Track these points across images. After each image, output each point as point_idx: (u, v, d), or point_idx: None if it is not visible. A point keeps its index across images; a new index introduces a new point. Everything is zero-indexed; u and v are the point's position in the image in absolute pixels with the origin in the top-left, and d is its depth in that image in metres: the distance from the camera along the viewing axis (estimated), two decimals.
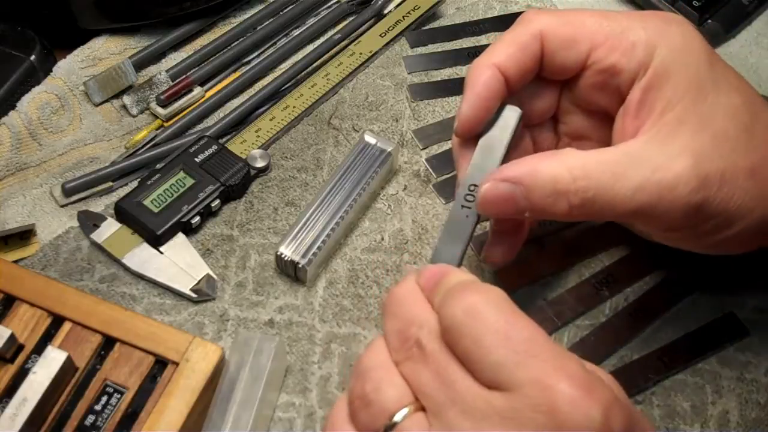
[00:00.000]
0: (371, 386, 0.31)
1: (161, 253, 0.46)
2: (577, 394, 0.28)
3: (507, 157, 0.38)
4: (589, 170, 0.34)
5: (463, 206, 0.37)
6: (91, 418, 0.38)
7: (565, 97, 0.41)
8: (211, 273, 0.46)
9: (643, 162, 0.34)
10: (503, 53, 0.37)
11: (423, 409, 0.30)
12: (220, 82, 0.56)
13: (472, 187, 0.37)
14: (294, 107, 0.53)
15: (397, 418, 0.30)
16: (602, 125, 0.40)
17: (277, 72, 0.57)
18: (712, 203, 0.35)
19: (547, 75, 0.39)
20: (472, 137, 0.39)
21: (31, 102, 0.51)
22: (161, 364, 0.39)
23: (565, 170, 0.34)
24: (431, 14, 0.60)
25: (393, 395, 0.31)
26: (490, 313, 0.30)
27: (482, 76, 0.37)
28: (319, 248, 0.45)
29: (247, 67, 0.56)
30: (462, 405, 0.29)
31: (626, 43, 0.36)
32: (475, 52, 0.58)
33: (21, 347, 0.39)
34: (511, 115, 0.39)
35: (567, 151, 0.35)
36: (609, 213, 0.35)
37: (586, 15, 0.38)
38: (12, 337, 0.38)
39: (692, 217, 0.35)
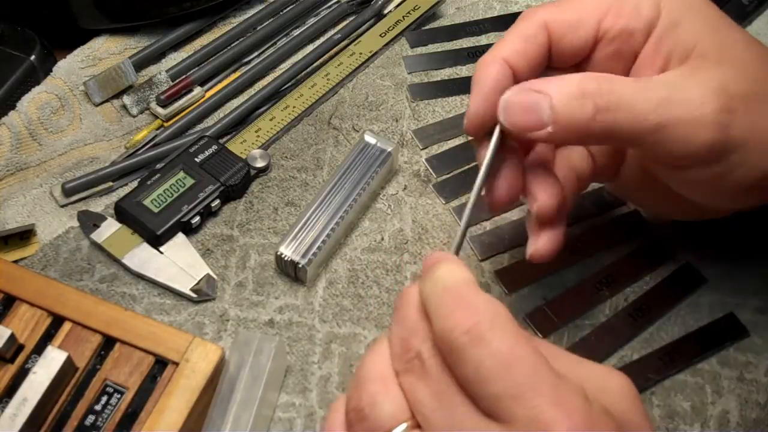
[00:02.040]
0: (367, 399, 0.30)
1: (161, 253, 0.46)
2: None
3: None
4: (613, 81, 0.34)
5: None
6: (91, 418, 0.38)
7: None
8: (211, 273, 0.46)
9: (666, 84, 0.34)
10: (510, 47, 0.37)
11: (419, 426, 0.30)
12: (220, 82, 0.56)
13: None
14: (294, 107, 0.53)
15: None
16: None
17: (277, 72, 0.57)
18: (736, 126, 0.34)
19: (559, 64, 0.38)
20: (484, 134, 0.37)
21: (31, 102, 0.51)
22: (161, 364, 0.39)
23: (590, 78, 0.34)
24: (431, 14, 0.60)
25: (388, 411, 0.30)
26: (493, 340, 0.28)
27: (490, 72, 0.36)
28: (319, 248, 0.45)
29: (247, 67, 0.56)
30: (457, 429, 0.28)
31: (630, 6, 0.36)
32: (475, 52, 0.58)
33: (21, 347, 0.39)
34: None
35: (588, 73, 0.35)
36: (630, 128, 0.34)
37: None
38: (12, 337, 0.38)
39: (715, 145, 0.34)
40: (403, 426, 0.30)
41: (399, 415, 0.30)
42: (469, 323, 0.28)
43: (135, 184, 0.50)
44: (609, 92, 0.34)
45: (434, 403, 0.29)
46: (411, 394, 0.30)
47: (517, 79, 0.37)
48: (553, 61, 0.38)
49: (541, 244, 0.38)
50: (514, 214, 0.49)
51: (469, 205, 0.35)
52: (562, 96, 0.34)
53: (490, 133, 0.37)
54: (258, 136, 0.52)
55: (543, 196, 0.37)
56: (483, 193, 0.37)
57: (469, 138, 0.39)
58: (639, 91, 0.34)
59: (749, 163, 0.35)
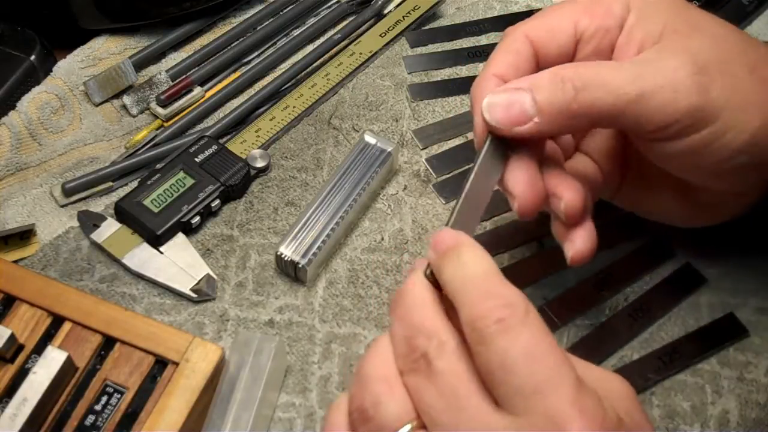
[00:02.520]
0: (371, 400, 0.30)
1: (161, 253, 0.46)
2: None
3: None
4: (590, 63, 0.37)
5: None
6: (91, 418, 0.38)
7: None
8: (211, 273, 0.46)
9: (641, 60, 0.36)
10: (499, 63, 0.38)
11: (424, 426, 0.30)
12: (220, 82, 0.56)
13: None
14: (294, 107, 0.53)
15: None
16: None
17: (277, 72, 0.57)
18: (714, 88, 0.35)
19: (547, 67, 0.39)
20: None
21: (31, 102, 0.51)
22: (161, 364, 0.39)
23: (566, 65, 0.36)
24: (431, 14, 0.60)
25: (393, 412, 0.30)
26: (524, 333, 0.29)
27: (485, 88, 0.38)
28: (319, 248, 0.45)
29: (247, 67, 0.56)
30: (468, 428, 0.28)
31: (602, 7, 0.39)
32: (475, 52, 0.58)
33: (21, 347, 0.39)
34: None
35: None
36: (610, 104, 0.35)
37: (558, 5, 0.40)
38: (12, 337, 0.38)
39: (696, 108, 0.35)
40: (408, 426, 0.30)
41: (404, 415, 0.30)
42: (503, 313, 0.29)
43: (135, 184, 0.50)
44: (586, 73, 0.35)
45: (441, 403, 0.29)
46: (417, 394, 0.30)
47: None
48: (541, 66, 0.39)
49: (579, 244, 0.39)
50: (514, 214, 0.49)
51: (457, 207, 0.36)
52: (541, 85, 0.36)
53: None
54: (258, 136, 0.52)
55: (568, 193, 0.38)
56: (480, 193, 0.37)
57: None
58: (615, 68, 0.36)
59: (735, 126, 0.35)
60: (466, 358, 0.30)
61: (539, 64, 0.39)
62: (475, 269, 0.31)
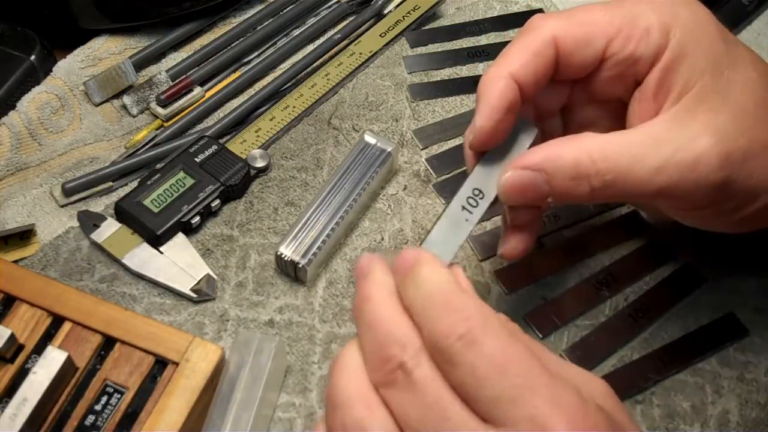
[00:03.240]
0: (354, 426, 0.29)
1: (161, 253, 0.46)
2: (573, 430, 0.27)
3: None
4: (608, 153, 0.34)
5: (464, 207, 0.36)
6: (91, 418, 0.38)
7: (577, 91, 0.40)
8: (211, 273, 0.46)
9: (663, 142, 0.34)
10: (516, 62, 0.36)
11: None
12: (220, 82, 0.56)
13: (476, 191, 0.36)
14: (294, 107, 0.53)
15: None
16: (613, 113, 0.40)
17: (277, 72, 0.57)
18: (735, 180, 0.34)
19: (562, 77, 0.38)
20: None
21: (31, 102, 0.51)
22: (161, 364, 0.39)
23: (584, 154, 0.34)
24: (431, 14, 0.60)
25: None
26: (487, 343, 0.28)
27: (496, 87, 0.36)
28: (319, 248, 0.45)
29: (247, 67, 0.56)
30: None
31: (640, 30, 0.36)
32: (475, 52, 0.58)
33: (21, 347, 0.39)
34: (527, 132, 0.38)
35: (585, 135, 0.35)
36: (631, 194, 0.35)
37: (595, 10, 0.37)
38: (12, 337, 0.38)
39: (715, 196, 0.34)
40: None
41: None
42: (462, 328, 0.28)
43: (135, 184, 0.50)
44: (604, 172, 0.34)
45: (425, 416, 0.28)
46: (398, 409, 0.29)
47: (522, 93, 0.36)
48: (559, 74, 0.38)
49: (512, 244, 0.39)
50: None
51: (434, 226, 0.36)
52: (557, 176, 0.34)
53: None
54: (258, 136, 0.52)
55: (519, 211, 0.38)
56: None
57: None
58: (634, 161, 0.34)
59: (761, 198, 0.35)
60: None
61: (558, 70, 0.37)
62: (432, 286, 0.30)
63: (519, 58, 0.36)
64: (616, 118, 0.39)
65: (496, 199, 0.37)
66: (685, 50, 0.35)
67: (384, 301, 0.31)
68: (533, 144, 0.38)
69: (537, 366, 0.28)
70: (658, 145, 0.34)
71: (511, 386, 0.27)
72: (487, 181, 0.37)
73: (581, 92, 0.40)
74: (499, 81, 0.36)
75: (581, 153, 0.34)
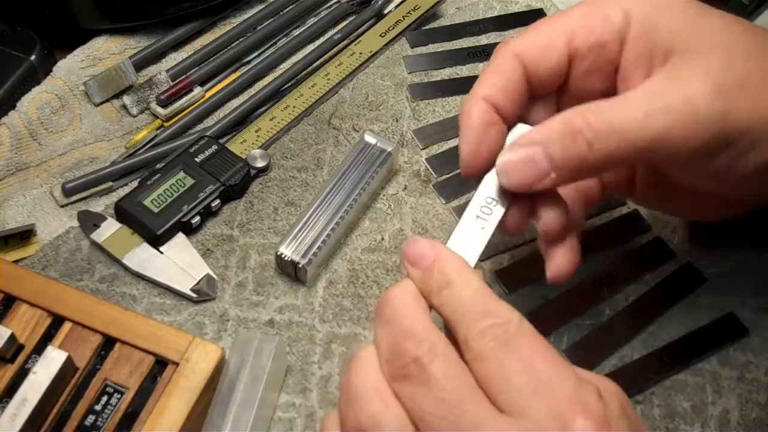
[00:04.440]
0: (369, 422, 0.29)
1: (161, 253, 0.46)
2: (593, 427, 0.27)
3: None
4: (600, 109, 0.34)
5: (478, 217, 0.36)
6: (91, 418, 0.38)
7: (563, 99, 0.39)
8: (211, 273, 0.46)
9: (655, 92, 0.34)
10: (487, 84, 0.37)
11: None
12: (220, 82, 0.56)
13: (488, 200, 0.36)
14: (294, 107, 0.53)
15: None
16: None
17: (277, 72, 0.57)
18: (730, 115, 0.33)
19: (540, 92, 0.38)
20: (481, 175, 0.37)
21: (31, 102, 0.51)
22: (161, 364, 0.39)
23: (574, 114, 0.34)
24: (431, 14, 0.60)
25: (393, 429, 0.29)
26: (519, 341, 0.29)
27: (473, 113, 0.36)
28: (319, 248, 0.45)
29: (247, 67, 0.56)
30: None
31: (598, 18, 0.36)
32: (475, 52, 0.58)
33: (21, 347, 0.39)
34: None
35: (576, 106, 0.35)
36: (628, 148, 0.34)
37: (551, 18, 0.37)
38: (12, 337, 0.38)
39: (712, 139, 0.34)
40: None
41: (404, 430, 0.29)
42: (499, 331, 0.29)
43: (135, 184, 0.50)
44: (596, 122, 0.34)
45: (441, 410, 0.29)
46: (412, 402, 0.29)
47: (501, 114, 0.36)
48: (534, 90, 0.38)
49: (557, 263, 0.38)
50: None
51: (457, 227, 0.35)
52: (552, 141, 0.34)
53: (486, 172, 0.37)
54: (258, 136, 0.52)
55: (547, 215, 0.37)
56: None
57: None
58: (625, 110, 0.34)
59: (760, 141, 0.34)
60: (459, 362, 0.30)
61: (531, 85, 0.37)
62: (466, 291, 0.31)
63: (488, 80, 0.37)
64: None
65: (511, 204, 0.36)
66: (652, 18, 0.35)
67: (406, 301, 0.31)
68: None
69: (564, 365, 0.29)
70: (649, 94, 0.34)
71: (537, 380, 0.28)
72: (498, 188, 0.36)
73: (567, 99, 0.39)
74: (474, 106, 0.36)
75: (570, 115, 0.34)
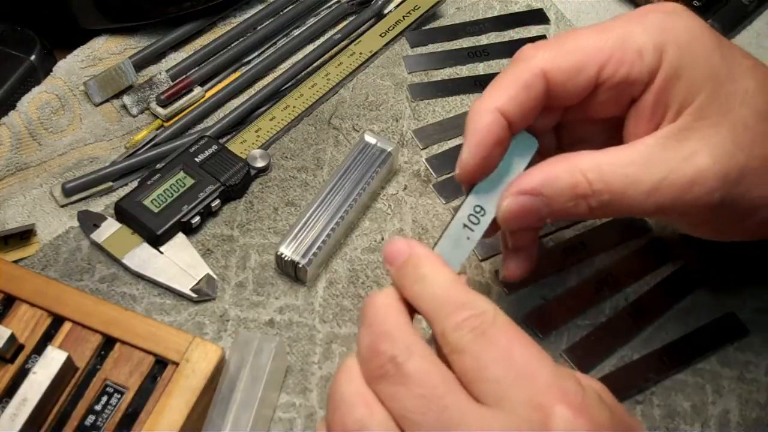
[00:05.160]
0: (354, 426, 0.29)
1: (161, 253, 0.46)
2: (572, 415, 0.28)
3: None
4: (604, 173, 0.34)
5: (465, 225, 0.36)
6: (91, 418, 0.38)
7: (571, 112, 0.39)
8: (211, 273, 0.46)
9: (657, 162, 0.34)
10: (504, 96, 0.35)
11: None
12: (220, 82, 0.56)
13: (477, 208, 0.36)
14: (294, 107, 0.53)
15: None
16: (608, 129, 0.39)
17: (277, 72, 0.57)
18: (733, 198, 0.34)
19: (554, 105, 0.37)
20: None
21: (31, 102, 0.51)
22: (161, 364, 0.39)
23: (580, 175, 0.34)
24: (431, 14, 0.60)
25: (378, 430, 0.29)
26: (495, 333, 0.29)
27: (483, 122, 0.35)
28: (319, 248, 0.45)
29: (247, 67, 0.56)
30: (454, 427, 0.28)
31: (632, 53, 0.35)
32: (475, 52, 0.58)
33: (21, 347, 0.39)
34: (527, 147, 0.37)
35: (580, 155, 0.35)
36: (629, 212, 0.35)
37: (584, 36, 0.36)
38: (12, 337, 0.38)
39: (714, 213, 0.35)
40: None
41: (390, 431, 0.29)
42: (475, 323, 0.29)
43: (135, 184, 0.50)
44: (600, 192, 0.34)
45: (421, 406, 0.29)
46: (392, 401, 0.29)
47: (511, 127, 0.36)
48: (550, 102, 0.37)
49: (511, 268, 0.40)
50: None
51: (444, 232, 0.36)
52: (555, 198, 0.35)
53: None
54: (258, 136, 0.52)
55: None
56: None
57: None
58: (629, 181, 0.34)
59: (759, 212, 0.35)
60: (436, 359, 0.30)
61: (549, 100, 0.36)
62: (438, 284, 0.31)
63: (507, 91, 0.36)
64: (612, 132, 0.38)
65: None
66: (680, 68, 0.35)
67: (383, 304, 0.32)
68: (533, 156, 0.37)
69: (542, 354, 0.29)
70: (651, 165, 0.34)
71: (514, 370, 0.28)
72: (488, 199, 0.36)
73: (575, 113, 0.39)
74: (486, 115, 0.35)
75: (577, 174, 0.34)
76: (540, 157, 0.37)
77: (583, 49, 0.36)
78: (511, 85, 0.36)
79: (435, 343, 0.31)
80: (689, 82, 0.34)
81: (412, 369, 0.29)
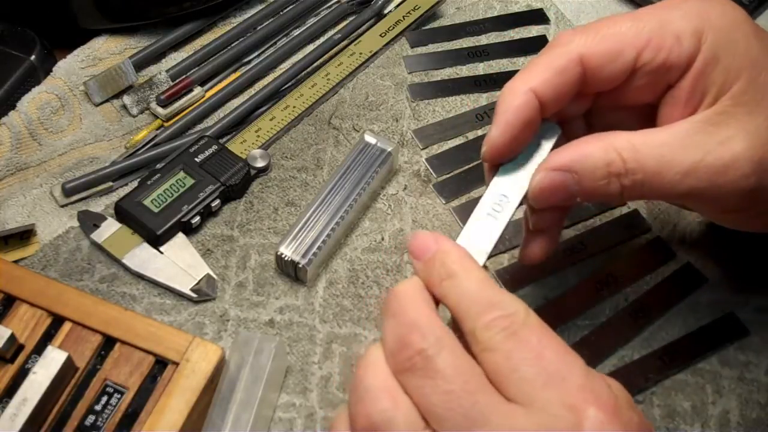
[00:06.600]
0: (379, 418, 0.29)
1: (161, 253, 0.46)
2: (605, 417, 0.28)
3: None
4: (639, 152, 0.34)
5: (489, 214, 0.36)
6: (91, 418, 0.38)
7: (603, 97, 0.39)
8: (211, 273, 0.46)
9: (693, 145, 0.33)
10: (539, 77, 0.35)
11: (433, 428, 0.29)
12: (220, 82, 0.56)
13: (501, 196, 0.36)
14: (294, 107, 0.53)
15: None
16: (640, 115, 0.39)
17: (277, 72, 0.57)
18: (765, 186, 0.34)
19: (588, 91, 0.37)
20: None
21: (31, 102, 0.51)
22: (161, 364, 0.39)
23: (614, 152, 0.34)
24: (431, 14, 0.60)
25: (403, 426, 0.29)
26: (527, 333, 0.29)
27: (516, 102, 0.35)
28: (319, 248, 0.45)
29: (247, 67, 0.56)
30: (482, 425, 0.28)
31: (670, 38, 0.35)
32: (475, 52, 0.58)
33: (21, 347, 0.39)
34: (550, 134, 0.37)
35: (614, 133, 0.34)
36: (660, 194, 0.35)
37: (622, 21, 0.36)
38: (12, 337, 0.38)
39: (746, 200, 0.34)
40: None
41: (415, 424, 0.29)
42: (506, 322, 0.29)
43: (135, 184, 0.50)
44: (634, 171, 0.34)
45: (450, 401, 0.28)
46: (419, 395, 0.29)
47: (544, 110, 0.36)
48: (585, 88, 0.37)
49: (533, 250, 0.39)
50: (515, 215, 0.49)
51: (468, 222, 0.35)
52: (587, 176, 0.34)
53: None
54: (258, 136, 0.52)
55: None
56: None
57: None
58: (663, 161, 0.33)
59: None
60: (465, 354, 0.30)
61: (583, 86, 0.36)
62: (469, 282, 0.31)
63: (543, 74, 0.35)
64: (642, 120, 0.38)
65: (522, 202, 0.36)
66: (719, 54, 0.34)
67: (412, 295, 0.31)
68: (556, 145, 0.37)
69: (573, 355, 0.29)
70: (687, 147, 0.33)
71: (548, 371, 0.28)
72: (512, 185, 0.36)
73: (607, 99, 0.38)
74: (520, 95, 0.35)
75: (611, 152, 0.34)
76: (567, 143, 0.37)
77: (621, 35, 0.36)
78: (547, 69, 0.36)
79: (457, 331, 0.31)
80: (727, 68, 0.34)
81: (442, 363, 0.29)
